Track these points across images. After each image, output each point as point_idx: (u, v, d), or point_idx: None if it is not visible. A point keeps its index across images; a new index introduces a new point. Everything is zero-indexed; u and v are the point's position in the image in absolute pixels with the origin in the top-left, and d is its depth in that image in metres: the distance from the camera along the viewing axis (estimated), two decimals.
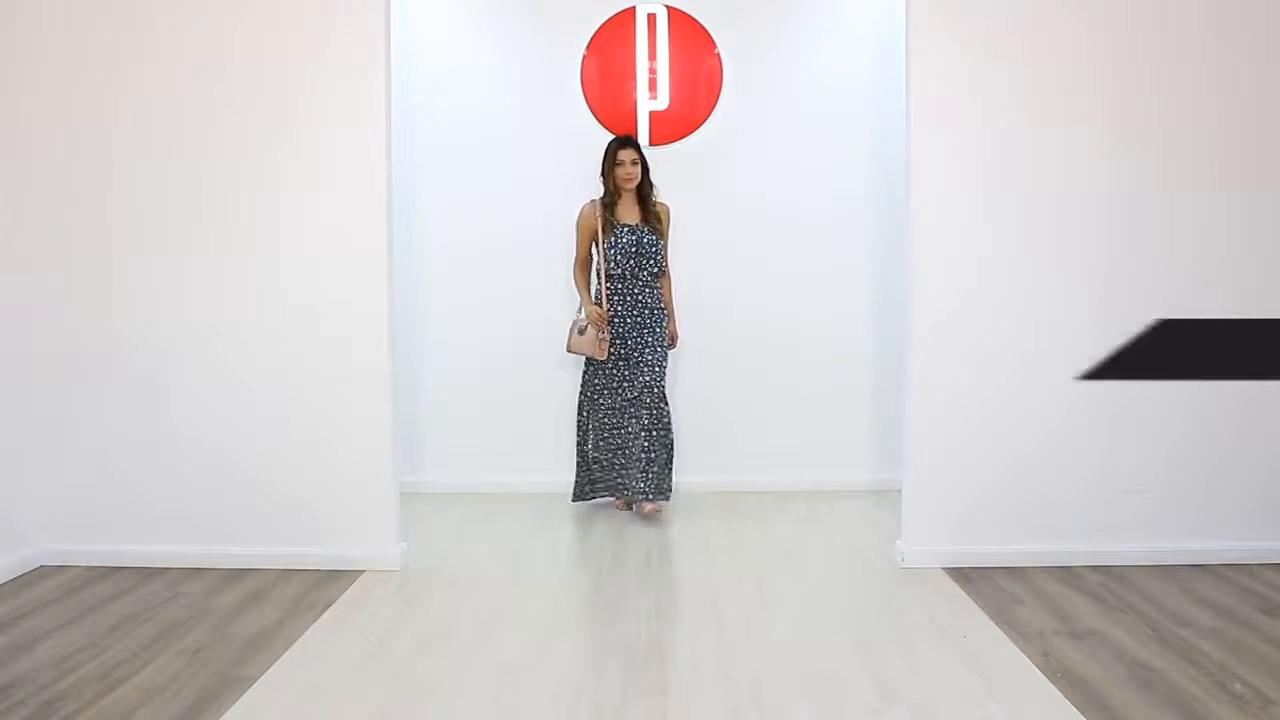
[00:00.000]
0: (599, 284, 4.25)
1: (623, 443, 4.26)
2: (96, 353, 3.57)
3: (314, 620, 3.02)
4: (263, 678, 2.59)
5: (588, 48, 4.70)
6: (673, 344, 4.43)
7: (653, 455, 4.13)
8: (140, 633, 2.91)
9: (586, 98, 4.69)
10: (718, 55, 4.70)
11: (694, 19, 4.69)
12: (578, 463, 4.41)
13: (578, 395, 4.39)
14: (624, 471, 4.27)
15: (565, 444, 4.71)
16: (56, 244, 3.55)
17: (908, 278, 3.51)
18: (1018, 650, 2.75)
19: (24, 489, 3.56)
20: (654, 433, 4.13)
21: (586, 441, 4.34)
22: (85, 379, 3.58)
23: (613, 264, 4.18)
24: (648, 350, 4.23)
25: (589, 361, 4.30)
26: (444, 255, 4.77)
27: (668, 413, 4.22)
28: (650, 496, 4.13)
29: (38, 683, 2.56)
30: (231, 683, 2.56)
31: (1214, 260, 3.48)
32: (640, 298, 4.23)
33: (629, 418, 4.24)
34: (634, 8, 4.68)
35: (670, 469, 4.21)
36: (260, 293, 3.53)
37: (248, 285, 3.53)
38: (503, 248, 4.74)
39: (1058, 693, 2.47)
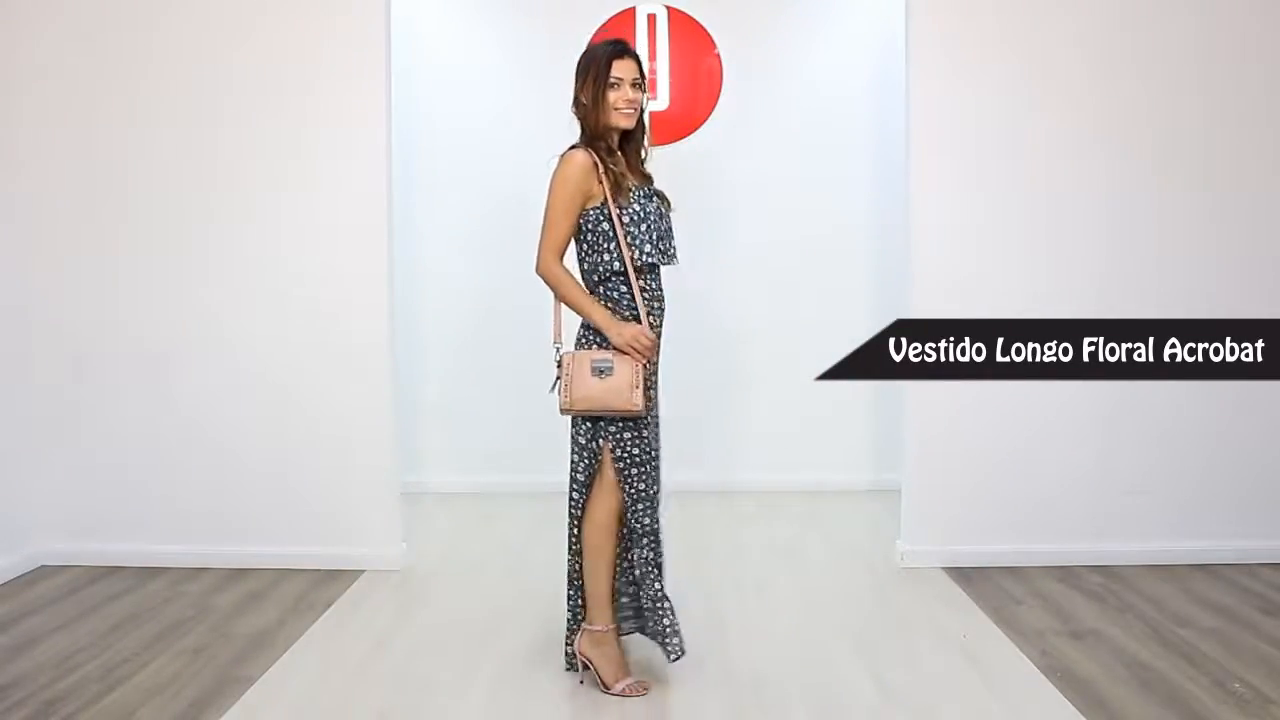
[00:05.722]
0: (619, 288, 2.52)
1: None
2: (98, 353, 3.57)
3: (314, 620, 3.02)
4: (263, 678, 2.59)
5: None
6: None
7: (660, 586, 2.57)
8: (141, 633, 2.92)
9: None
10: (717, 55, 4.70)
11: (694, 19, 4.68)
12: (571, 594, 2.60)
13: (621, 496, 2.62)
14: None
15: (565, 443, 4.69)
16: (58, 243, 3.55)
17: (907, 276, 3.52)
18: (1018, 650, 2.75)
19: (25, 488, 3.55)
20: (659, 541, 2.61)
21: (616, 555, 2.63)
22: (86, 379, 3.57)
23: (641, 247, 2.42)
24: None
25: (619, 427, 2.56)
26: (444, 255, 4.76)
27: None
28: (675, 650, 2.49)
29: (38, 682, 2.56)
30: (231, 683, 2.56)
31: (1211, 259, 3.47)
32: (663, 306, 2.56)
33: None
34: (634, 8, 4.68)
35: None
36: (261, 293, 3.53)
37: (248, 285, 3.53)
38: (503, 246, 4.71)
39: (1057, 693, 2.48)
